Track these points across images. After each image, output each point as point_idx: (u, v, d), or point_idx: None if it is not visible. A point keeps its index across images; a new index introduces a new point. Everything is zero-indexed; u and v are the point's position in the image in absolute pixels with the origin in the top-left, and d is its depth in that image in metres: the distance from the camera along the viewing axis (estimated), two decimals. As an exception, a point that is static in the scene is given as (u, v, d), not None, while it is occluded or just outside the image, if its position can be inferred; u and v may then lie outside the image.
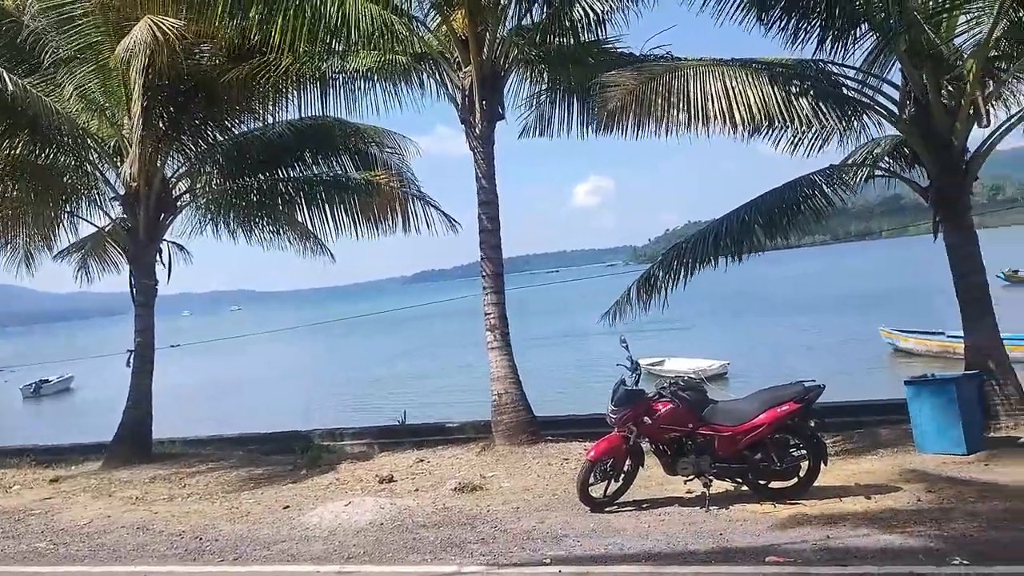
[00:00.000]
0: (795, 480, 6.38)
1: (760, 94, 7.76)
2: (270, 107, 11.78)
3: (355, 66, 10.84)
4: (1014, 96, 8.52)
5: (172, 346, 21.52)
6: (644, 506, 6.52)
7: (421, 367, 30.58)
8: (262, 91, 11.16)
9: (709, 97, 7.72)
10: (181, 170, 11.86)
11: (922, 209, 9.36)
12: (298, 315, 53.62)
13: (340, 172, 11.88)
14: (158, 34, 8.65)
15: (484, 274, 10.07)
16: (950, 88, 8.12)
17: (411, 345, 40.34)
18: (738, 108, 7.67)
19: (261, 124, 11.91)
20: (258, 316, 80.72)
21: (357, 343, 45.08)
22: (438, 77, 10.61)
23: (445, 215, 10.88)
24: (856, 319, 28.43)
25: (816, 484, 6.38)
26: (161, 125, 11.15)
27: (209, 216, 12.39)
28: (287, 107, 11.63)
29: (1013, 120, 8.37)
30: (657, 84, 7.98)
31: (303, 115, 11.52)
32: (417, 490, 7.95)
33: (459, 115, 10.14)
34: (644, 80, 8.01)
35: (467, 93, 9.83)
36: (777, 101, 7.81)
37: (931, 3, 8.03)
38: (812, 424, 6.44)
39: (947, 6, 7.96)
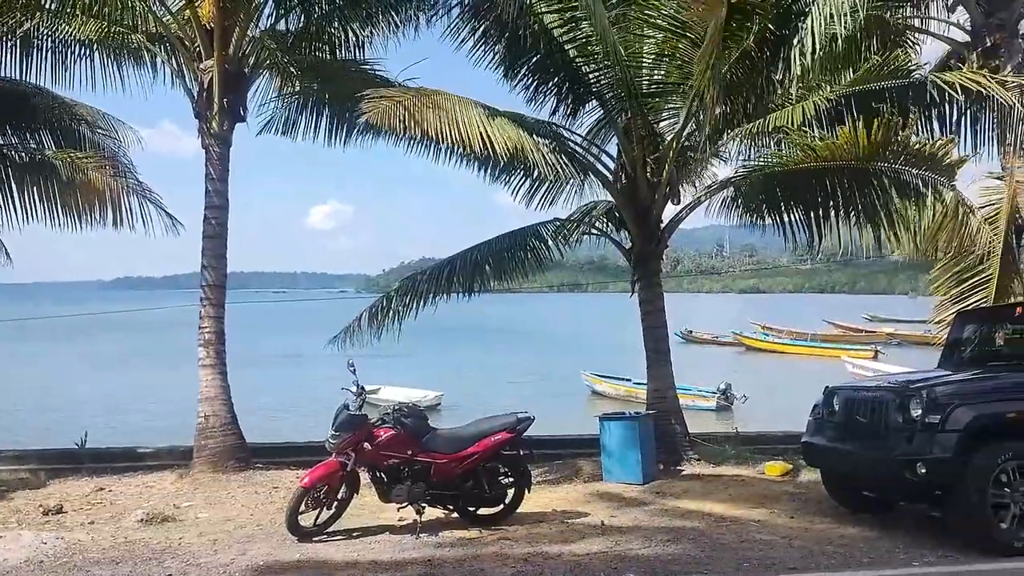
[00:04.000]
0: (501, 507, 6.76)
1: (516, 132, 8.12)
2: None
3: (71, 33, 9.46)
4: (700, 182, 10.19)
5: None
6: (355, 535, 6.40)
7: (112, 382, 26.81)
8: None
9: (473, 124, 7.85)
10: None
11: (622, 270, 10.67)
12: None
13: (36, 148, 10.14)
14: None
15: (204, 284, 9.29)
16: (653, 166, 9.47)
17: (104, 356, 35.22)
18: (497, 136, 7.87)
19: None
20: None
21: (31, 351, 38.05)
22: (175, 65, 9.69)
23: (167, 213, 9.82)
24: (562, 361, 31.23)
25: (519, 510, 6.82)
26: None
27: None
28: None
29: (693, 202, 9.97)
30: (426, 100, 7.93)
31: (-4, 76, 9.69)
32: (93, 522, 6.95)
33: (194, 109, 9.37)
34: (412, 97, 7.97)
35: (206, 87, 9.13)
36: (529, 143, 8.27)
37: (645, 89, 9.28)
38: (521, 454, 6.90)
39: (657, 92, 9.29)
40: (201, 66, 9.16)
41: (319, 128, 10.37)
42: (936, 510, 6.11)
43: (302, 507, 6.31)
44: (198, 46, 9.19)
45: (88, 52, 9.86)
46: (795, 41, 8.17)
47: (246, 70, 9.45)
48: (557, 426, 12.72)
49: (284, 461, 9.28)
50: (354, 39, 9.40)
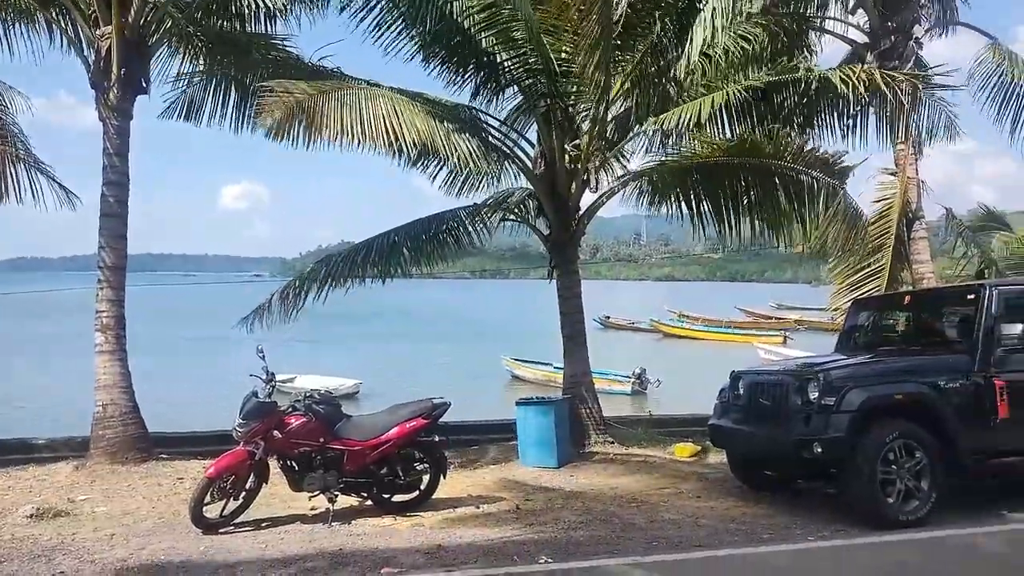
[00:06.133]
0: (416, 493, 6.71)
1: (426, 124, 7.97)
2: None
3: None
4: (614, 172, 10.31)
5: None
6: (264, 525, 6.22)
7: (2, 369, 25.04)
8: None
9: (379, 118, 7.68)
10: None
11: (543, 257, 10.71)
12: None
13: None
14: None
15: (102, 266, 8.77)
16: (572, 154, 9.51)
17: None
18: (406, 133, 7.73)
19: None
20: None
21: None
22: (71, 32, 9.04)
23: (61, 186, 9.13)
24: (483, 346, 31.28)
25: (434, 496, 6.78)
26: None
27: None
28: None
29: (609, 190, 10.07)
30: (328, 98, 7.68)
31: None
32: (-25, 519, 6.48)
33: (90, 78, 8.79)
34: (315, 92, 7.68)
35: (104, 56, 8.57)
36: (440, 135, 8.16)
37: (562, 75, 9.26)
38: (436, 440, 6.85)
39: (572, 78, 9.31)
40: (98, 32, 8.59)
41: (225, 113, 9.91)
42: (831, 487, 6.48)
43: (207, 498, 6.08)
44: (95, 11, 8.60)
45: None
46: (697, 36, 8.36)
47: (148, 39, 8.93)
48: (477, 411, 12.75)
49: (190, 451, 8.93)
50: (265, 10, 9.00)
